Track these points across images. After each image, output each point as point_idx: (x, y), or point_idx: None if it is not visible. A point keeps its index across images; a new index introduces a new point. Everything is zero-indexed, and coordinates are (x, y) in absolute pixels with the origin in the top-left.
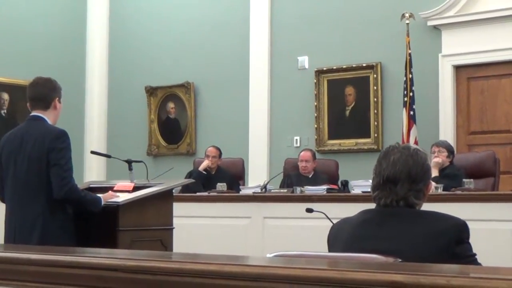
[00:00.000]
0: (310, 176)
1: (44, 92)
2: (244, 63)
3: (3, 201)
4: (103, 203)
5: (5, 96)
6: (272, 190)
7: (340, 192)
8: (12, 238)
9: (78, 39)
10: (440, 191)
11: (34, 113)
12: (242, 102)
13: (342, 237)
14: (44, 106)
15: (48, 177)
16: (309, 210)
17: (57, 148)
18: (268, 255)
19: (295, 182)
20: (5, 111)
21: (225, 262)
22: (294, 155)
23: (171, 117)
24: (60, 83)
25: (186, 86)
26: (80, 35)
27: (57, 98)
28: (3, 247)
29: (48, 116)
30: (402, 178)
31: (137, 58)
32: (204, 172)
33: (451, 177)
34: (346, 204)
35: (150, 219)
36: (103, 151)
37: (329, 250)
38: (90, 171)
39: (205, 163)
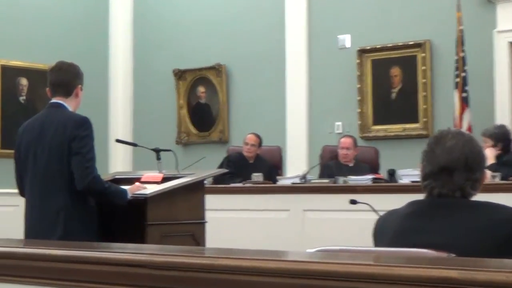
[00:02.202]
0: (351, 165)
1: (67, 78)
2: (280, 43)
3: (22, 195)
4: (129, 195)
5: (24, 81)
6: (312, 181)
7: (387, 182)
8: (34, 233)
9: (100, 21)
10: (497, 180)
11: (54, 100)
12: (279, 85)
13: (389, 230)
14: (65, 93)
15: (70, 168)
16: (353, 202)
17: (79, 136)
18: (308, 250)
19: (335, 171)
20: (24, 97)
21: (261, 258)
22: (335, 142)
23: (201, 102)
24: (82, 68)
25: (217, 69)
26: (102, 17)
27: (80, 85)
28: (23, 242)
29: (69, 104)
30: (458, 167)
31: (164, 40)
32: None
33: (510, 165)
34: (393, 195)
35: (180, 212)
36: (129, 140)
37: (375, 245)
38: (115, 161)
39: None
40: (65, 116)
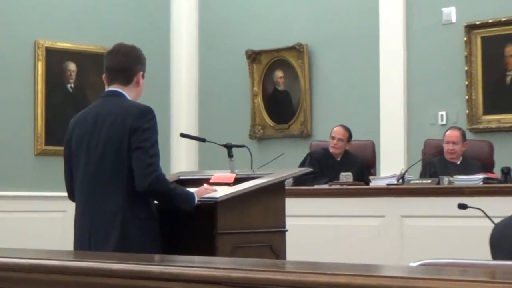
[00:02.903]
0: (458, 162)
1: (127, 63)
2: (373, 18)
3: (72, 199)
4: (197, 199)
5: (72, 66)
6: (412, 181)
7: (501, 183)
8: (86, 242)
9: None
10: None
11: (111, 88)
12: (371, 68)
13: (509, 240)
14: (124, 80)
15: (130, 165)
16: (462, 206)
17: (141, 128)
18: (411, 264)
19: (439, 170)
20: (72, 85)
21: (356, 273)
22: (439, 135)
23: (279, 89)
24: None
25: (298, 49)
26: None
27: (141, 72)
28: (76, 254)
29: (128, 93)
30: None
31: (235, 16)
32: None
33: None
34: (509, 198)
35: (256, 219)
36: (195, 134)
37: (493, 257)
38: (178, 159)
39: None
40: (125, 106)
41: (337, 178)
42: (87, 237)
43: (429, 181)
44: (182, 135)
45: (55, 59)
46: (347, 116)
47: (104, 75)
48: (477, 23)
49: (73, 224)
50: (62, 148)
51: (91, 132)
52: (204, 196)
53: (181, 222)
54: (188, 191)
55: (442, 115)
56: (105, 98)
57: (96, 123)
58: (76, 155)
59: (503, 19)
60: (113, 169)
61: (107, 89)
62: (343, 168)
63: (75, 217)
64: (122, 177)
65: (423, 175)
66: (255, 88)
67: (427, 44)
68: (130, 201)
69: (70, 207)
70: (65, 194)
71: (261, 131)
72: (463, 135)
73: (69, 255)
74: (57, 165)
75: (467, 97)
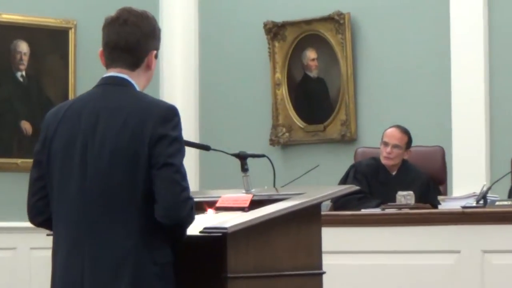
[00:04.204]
0: None
1: (136, 37)
2: None
3: (38, 223)
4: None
5: (24, 47)
6: (498, 203)
7: None
8: None
9: None
10: None
11: (112, 72)
12: (438, 47)
13: None
14: (131, 63)
15: (146, 188)
16: None
17: (168, 137)
18: None
19: None
20: (24, 72)
21: None
22: None
23: (311, 76)
24: None
25: (336, 20)
26: None
27: (155, 51)
28: None
29: (136, 80)
30: None
31: None
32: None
33: None
34: None
35: (282, 257)
36: (194, 140)
37: None
38: None
39: None
40: (140, 102)
41: (393, 200)
42: (79, 286)
43: None
44: None
45: (0, 37)
46: (405, 114)
47: (100, 52)
48: None
49: (52, 264)
50: (8, 160)
51: (88, 135)
52: (209, 226)
53: (179, 262)
54: None
55: None
56: (106, 87)
57: (97, 122)
58: (61, 167)
59: None
60: (123, 192)
61: (108, 74)
62: (401, 186)
63: (55, 255)
64: (135, 204)
65: None
66: (278, 75)
67: None
68: (146, 239)
69: (23, 242)
70: (16, 224)
71: (287, 134)
72: None
73: None
74: (3, 184)
75: None
